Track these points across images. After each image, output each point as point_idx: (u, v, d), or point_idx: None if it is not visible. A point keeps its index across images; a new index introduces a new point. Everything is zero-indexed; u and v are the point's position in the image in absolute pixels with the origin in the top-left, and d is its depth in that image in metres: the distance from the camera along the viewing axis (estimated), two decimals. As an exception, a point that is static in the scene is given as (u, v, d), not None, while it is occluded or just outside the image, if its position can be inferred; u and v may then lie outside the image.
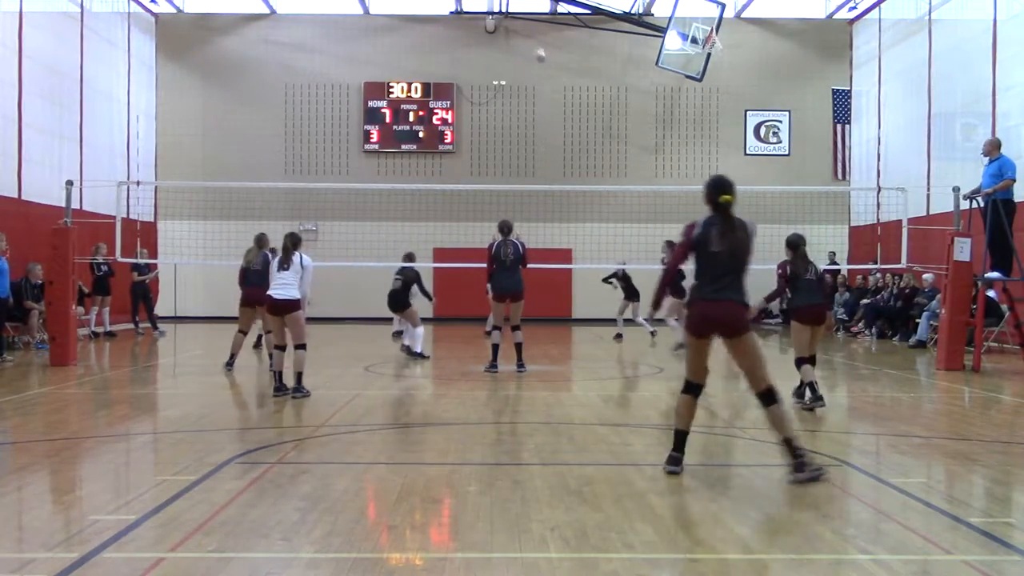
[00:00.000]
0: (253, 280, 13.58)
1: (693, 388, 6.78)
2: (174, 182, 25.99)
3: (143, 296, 21.33)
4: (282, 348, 11.11)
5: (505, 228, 13.74)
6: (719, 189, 6.76)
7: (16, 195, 19.14)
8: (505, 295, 13.66)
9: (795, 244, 10.32)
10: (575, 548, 5.04)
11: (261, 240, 13.89)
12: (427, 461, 7.41)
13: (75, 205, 15.87)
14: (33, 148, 19.90)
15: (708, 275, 6.64)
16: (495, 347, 13.80)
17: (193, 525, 5.35)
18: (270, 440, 8.15)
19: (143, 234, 24.09)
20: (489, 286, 14.11)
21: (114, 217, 16.81)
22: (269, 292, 11.04)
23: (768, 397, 6.54)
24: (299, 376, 10.79)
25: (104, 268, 19.80)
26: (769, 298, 10.52)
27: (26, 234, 18.52)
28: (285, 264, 11.00)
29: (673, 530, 5.37)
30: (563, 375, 13.87)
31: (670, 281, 7.03)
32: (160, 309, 23.29)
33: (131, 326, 21.53)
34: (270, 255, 13.72)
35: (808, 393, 10.13)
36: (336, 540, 5.13)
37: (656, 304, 7.08)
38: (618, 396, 11.25)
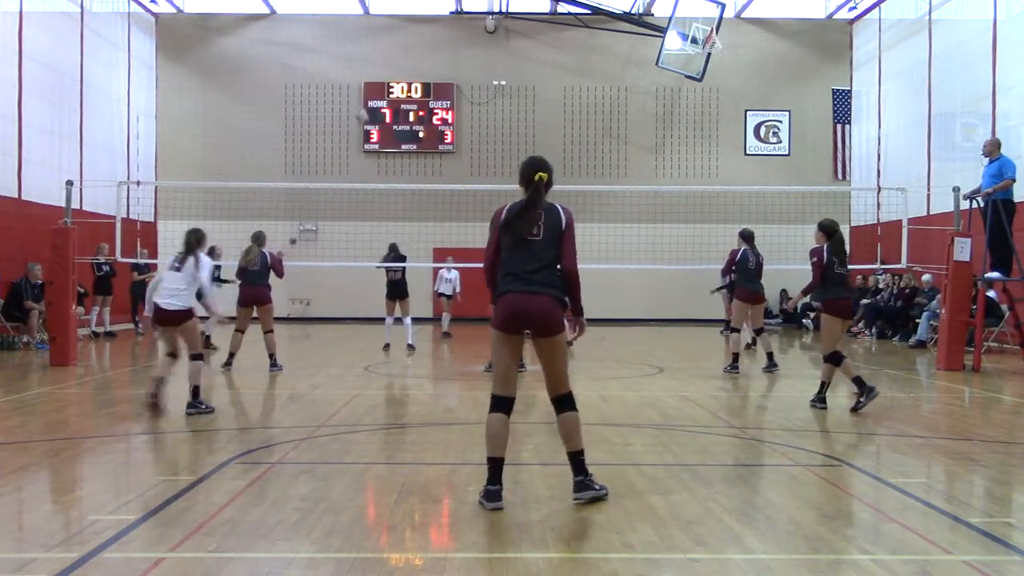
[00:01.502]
0: (252, 279, 13.68)
1: (502, 404, 5.98)
2: (174, 182, 25.98)
3: (143, 296, 21.32)
4: (174, 356, 9.69)
5: None
6: (534, 167, 6.03)
7: (16, 195, 19.15)
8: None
9: (832, 229, 9.93)
10: (575, 548, 5.04)
11: (260, 238, 13.97)
12: (427, 461, 7.41)
13: (75, 205, 15.87)
14: (33, 148, 19.90)
15: (516, 266, 5.92)
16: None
17: (193, 525, 5.34)
18: (270, 440, 8.15)
19: (143, 234, 24.08)
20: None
21: (114, 217, 16.81)
22: (156, 300, 9.64)
23: (566, 402, 5.99)
24: (195, 390, 9.49)
25: (106, 268, 19.80)
26: (808, 290, 10.10)
27: (26, 234, 18.52)
28: (179, 264, 9.61)
29: (673, 530, 5.37)
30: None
31: (491, 277, 6.15)
32: (160, 309, 23.27)
33: (131, 326, 21.53)
34: (267, 255, 13.82)
35: (821, 392, 9.99)
36: (336, 540, 5.13)
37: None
38: (618, 396, 11.25)
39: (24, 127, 19.53)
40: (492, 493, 5.80)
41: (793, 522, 5.61)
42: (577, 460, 6.00)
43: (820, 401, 10.02)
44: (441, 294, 21.18)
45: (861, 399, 9.69)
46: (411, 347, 17.06)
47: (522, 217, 5.95)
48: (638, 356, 16.33)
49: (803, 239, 24.22)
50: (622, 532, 5.33)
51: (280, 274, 14.15)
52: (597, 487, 6.02)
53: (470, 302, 21.36)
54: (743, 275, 13.81)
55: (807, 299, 11.49)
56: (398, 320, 17.43)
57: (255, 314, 13.86)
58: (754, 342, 15.14)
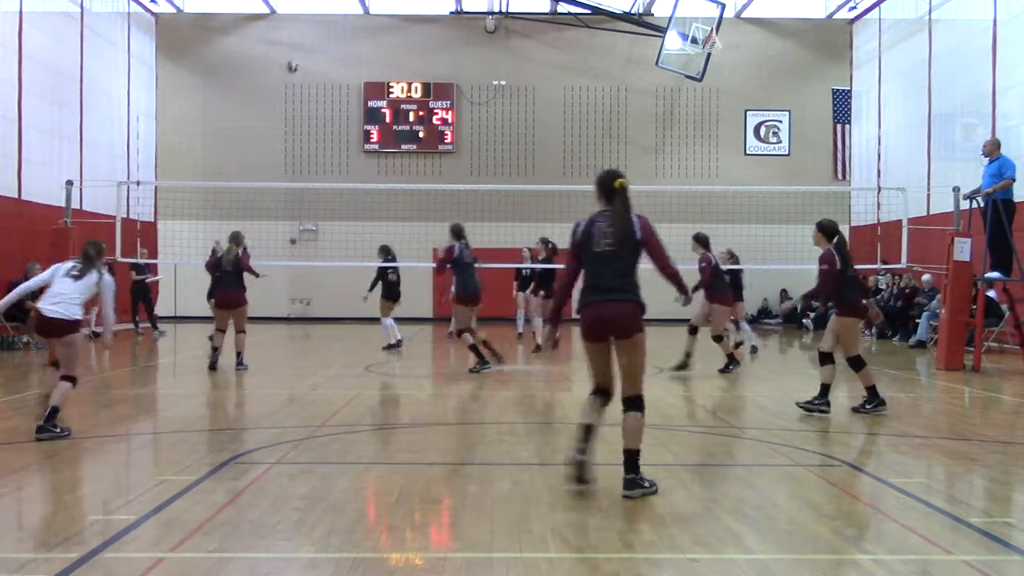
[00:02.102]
0: (227, 282, 13.68)
1: (601, 391, 6.38)
2: (174, 182, 25.98)
3: (143, 296, 21.34)
4: (71, 379, 8.40)
5: (463, 232, 13.75)
6: (613, 175, 6.34)
7: (16, 195, 19.15)
8: (475, 298, 13.64)
9: (834, 230, 9.66)
10: (575, 548, 5.04)
11: (238, 238, 13.96)
12: (427, 461, 7.41)
13: (75, 205, 15.90)
14: (33, 148, 19.90)
15: (596, 278, 6.24)
16: (475, 347, 13.70)
17: (193, 525, 5.34)
18: (270, 440, 8.14)
19: (143, 234, 24.07)
20: (454, 290, 14.01)
21: (114, 217, 16.82)
22: (40, 305, 8.46)
23: (636, 403, 6.22)
24: (53, 412, 8.11)
25: (105, 268, 19.78)
26: (811, 295, 9.78)
27: (26, 234, 18.52)
28: (79, 273, 8.49)
29: (673, 530, 5.37)
30: (563, 375, 13.87)
31: (567, 290, 6.46)
32: (160, 309, 23.30)
33: (131, 326, 21.54)
34: (239, 256, 13.77)
35: (822, 395, 9.68)
36: (336, 540, 5.13)
37: (554, 314, 6.69)
38: (618, 396, 11.24)
39: (24, 127, 19.53)
40: (577, 449, 6.17)
41: (793, 522, 5.61)
42: (632, 458, 6.16)
43: (825, 404, 9.71)
44: None
45: (867, 405, 9.60)
46: (399, 342, 17.13)
47: (617, 225, 6.20)
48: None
49: (803, 239, 24.12)
50: (622, 532, 5.33)
51: (252, 271, 13.89)
52: (647, 484, 6.15)
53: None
54: (721, 281, 13.86)
55: (799, 302, 10.86)
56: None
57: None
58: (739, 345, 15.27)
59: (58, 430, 8.08)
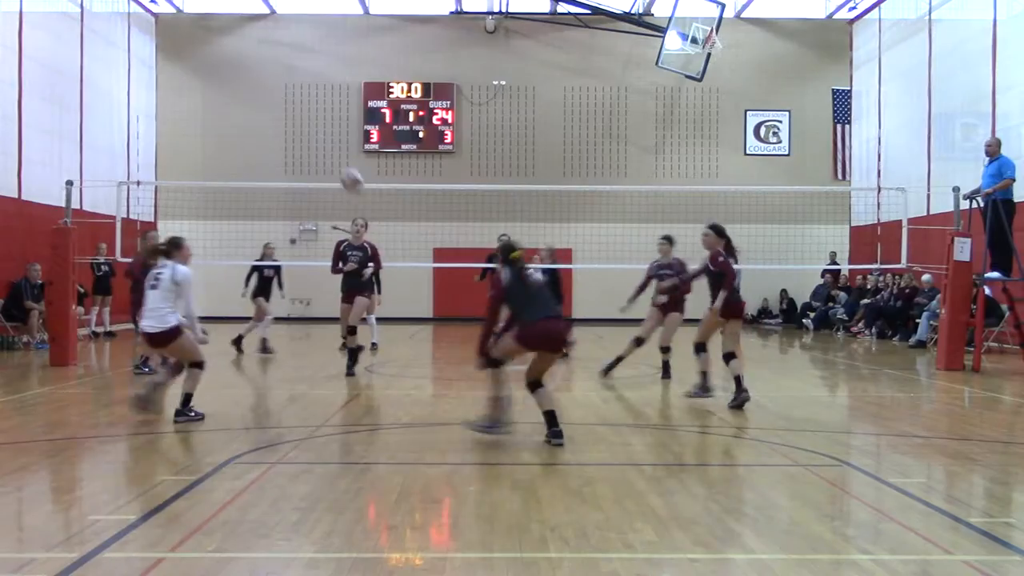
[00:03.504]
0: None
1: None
2: (174, 182, 25.97)
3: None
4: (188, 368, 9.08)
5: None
6: (509, 248, 8.03)
7: (16, 195, 19.14)
8: (355, 294, 13.85)
9: (723, 231, 10.37)
10: (575, 548, 5.04)
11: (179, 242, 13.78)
12: (427, 461, 7.41)
13: (75, 205, 15.87)
14: (33, 148, 19.89)
15: (534, 303, 7.82)
16: (359, 350, 13.75)
17: (193, 525, 5.35)
18: (270, 440, 8.15)
19: (143, 234, 24.04)
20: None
21: (114, 217, 16.81)
22: (142, 321, 9.10)
23: (539, 384, 7.96)
24: (187, 397, 9.02)
25: (105, 268, 19.81)
26: (728, 291, 10.12)
27: (26, 234, 18.51)
28: (155, 281, 8.94)
29: (673, 530, 5.37)
30: (563, 375, 13.86)
31: (495, 320, 7.91)
32: (160, 309, 23.26)
33: (131, 326, 21.51)
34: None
35: (704, 383, 10.71)
36: (336, 540, 5.13)
37: (482, 347, 8.00)
38: (618, 396, 11.25)
39: (24, 127, 19.52)
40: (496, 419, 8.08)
41: (793, 522, 5.61)
42: (555, 417, 7.93)
43: (707, 391, 10.62)
44: None
45: (700, 390, 10.61)
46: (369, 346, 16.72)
47: (528, 275, 8.13)
48: (638, 356, 16.28)
49: (803, 239, 24.33)
50: (622, 532, 5.33)
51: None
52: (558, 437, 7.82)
53: (467, 302, 21.18)
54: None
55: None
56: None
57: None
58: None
59: (192, 414, 8.94)
